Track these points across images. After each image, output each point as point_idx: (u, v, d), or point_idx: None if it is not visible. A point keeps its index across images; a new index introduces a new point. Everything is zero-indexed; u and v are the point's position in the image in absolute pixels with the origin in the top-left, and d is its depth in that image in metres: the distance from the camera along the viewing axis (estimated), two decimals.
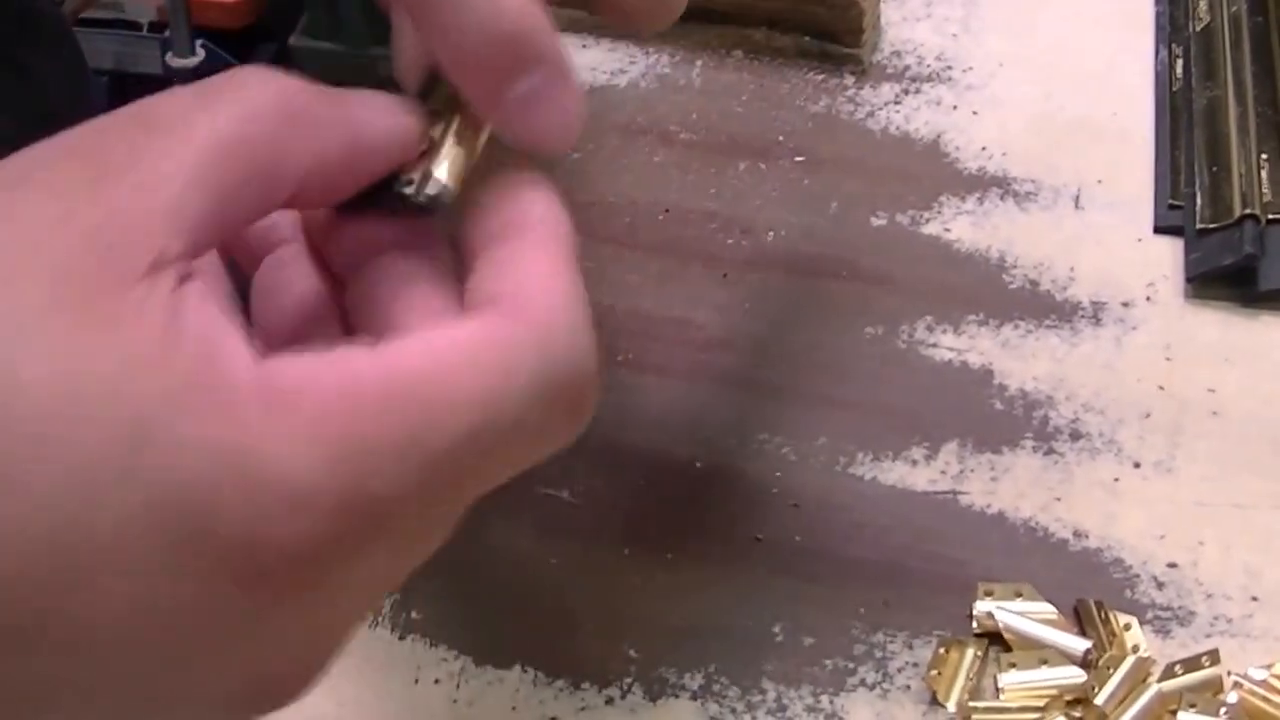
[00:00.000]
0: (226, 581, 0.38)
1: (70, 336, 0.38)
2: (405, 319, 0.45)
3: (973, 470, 0.71)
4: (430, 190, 0.46)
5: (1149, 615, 0.65)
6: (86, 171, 0.40)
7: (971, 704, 0.63)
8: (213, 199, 0.41)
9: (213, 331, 0.39)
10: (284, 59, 2.83)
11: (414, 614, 0.67)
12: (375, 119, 0.45)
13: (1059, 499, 0.69)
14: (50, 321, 0.38)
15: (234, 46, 2.82)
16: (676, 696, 0.64)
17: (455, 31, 0.46)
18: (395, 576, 0.43)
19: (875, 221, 0.82)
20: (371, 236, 0.48)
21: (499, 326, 0.42)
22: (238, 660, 0.40)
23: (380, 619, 0.67)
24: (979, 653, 0.64)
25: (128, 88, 2.94)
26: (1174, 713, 0.62)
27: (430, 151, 0.47)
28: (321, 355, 0.40)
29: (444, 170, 0.47)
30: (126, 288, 0.39)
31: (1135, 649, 0.64)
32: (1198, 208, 0.79)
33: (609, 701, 0.64)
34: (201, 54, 2.75)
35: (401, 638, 0.67)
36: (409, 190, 0.46)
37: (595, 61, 0.93)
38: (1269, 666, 0.62)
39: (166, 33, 2.77)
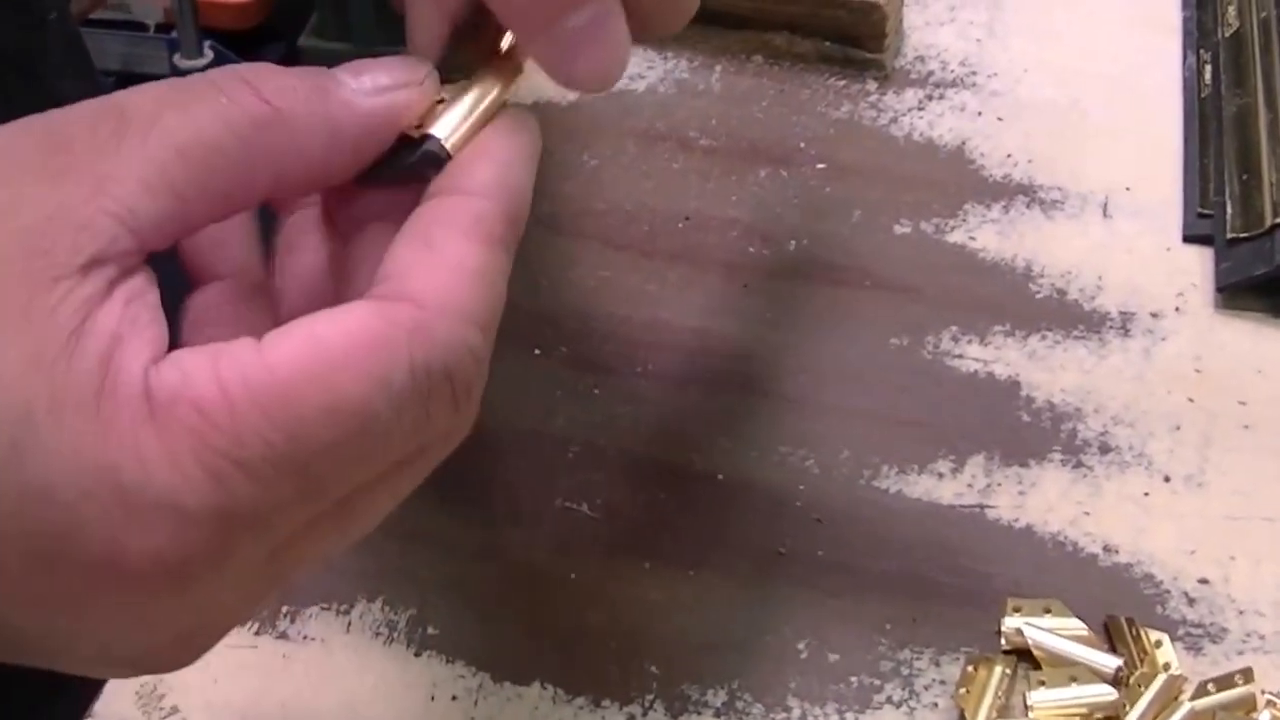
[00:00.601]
0: (94, 586, 0.39)
1: None
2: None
3: (1000, 484, 0.69)
4: (425, 149, 0.46)
5: (1180, 632, 0.64)
6: (43, 160, 0.40)
7: None
8: (170, 201, 0.41)
9: (120, 335, 0.39)
10: (292, 60, 2.82)
11: (430, 630, 0.66)
12: (359, 104, 0.45)
13: (1088, 513, 0.68)
14: None
15: (242, 47, 2.82)
16: (699, 713, 0.63)
17: None
18: (282, 572, 0.43)
19: (899, 230, 0.80)
20: (361, 205, 0.47)
21: (380, 314, 0.41)
22: (114, 640, 0.41)
23: (396, 634, 0.66)
24: (1008, 670, 0.63)
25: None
26: None
27: (435, 111, 0.47)
28: (208, 358, 0.40)
29: (441, 129, 0.46)
30: (50, 285, 0.39)
31: (1166, 666, 0.62)
32: (1228, 216, 0.78)
33: (630, 719, 0.63)
34: (210, 55, 2.74)
35: (418, 654, 0.66)
36: (407, 153, 0.46)
37: None
38: None
39: (174, 33, 2.76)
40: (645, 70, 0.91)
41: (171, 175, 0.41)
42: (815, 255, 0.80)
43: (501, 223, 0.45)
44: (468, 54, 0.49)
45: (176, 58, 2.80)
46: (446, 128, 0.46)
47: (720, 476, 0.70)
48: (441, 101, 0.47)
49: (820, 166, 0.84)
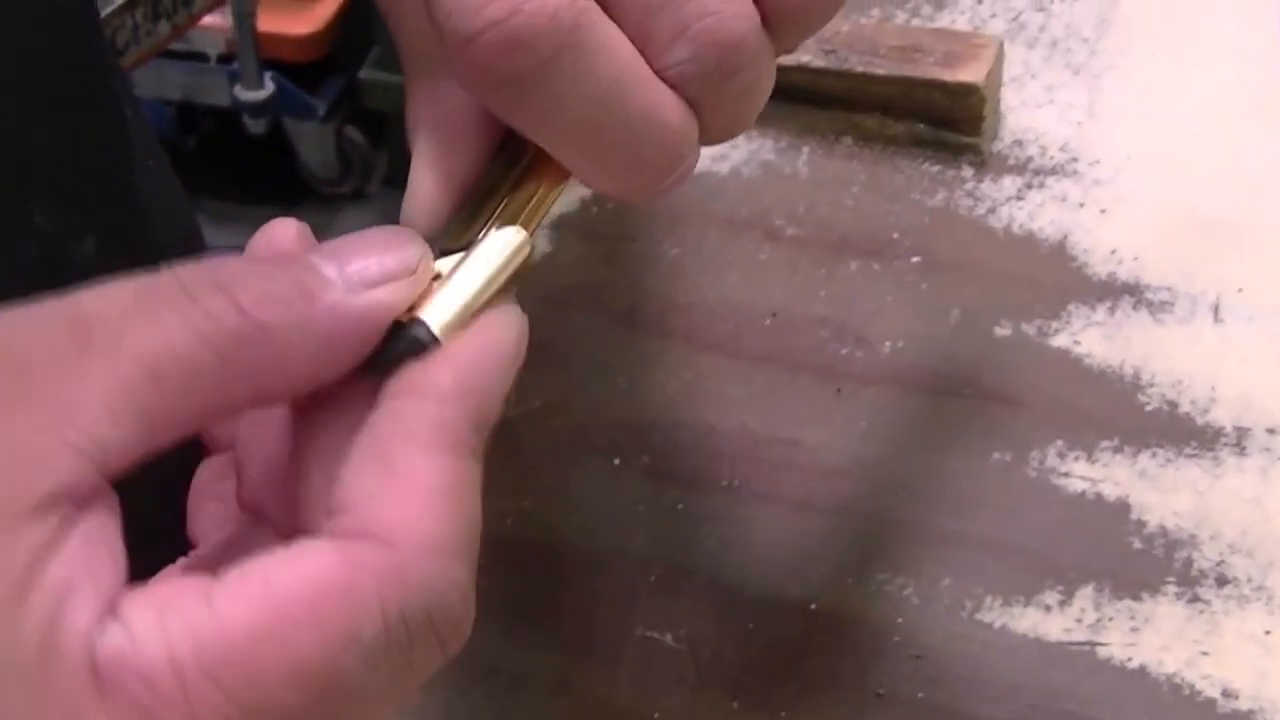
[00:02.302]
0: None
1: None
2: (308, 520, 0.42)
3: (1111, 619, 0.65)
4: (412, 335, 0.42)
5: None
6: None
7: None
8: (138, 427, 0.37)
9: (72, 585, 0.36)
10: (352, 94, 2.81)
11: None
12: (348, 306, 0.41)
13: (1205, 653, 0.64)
14: None
15: (303, 79, 2.80)
16: None
17: (616, 167, 0.47)
18: None
19: (999, 332, 0.76)
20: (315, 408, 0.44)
21: (343, 558, 0.38)
22: None
23: None
24: None
25: (196, 118, 2.92)
26: None
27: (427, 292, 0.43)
28: (155, 616, 0.37)
29: (433, 314, 0.43)
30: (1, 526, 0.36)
31: None
32: None
33: None
34: (271, 87, 2.73)
35: None
36: (391, 340, 0.42)
37: None
38: None
39: (235, 65, 2.75)
40: (729, 150, 0.87)
41: (141, 399, 0.38)
42: (912, 359, 0.75)
43: (467, 429, 0.41)
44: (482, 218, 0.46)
45: (238, 89, 2.79)
46: (438, 313, 0.43)
47: (813, 606, 0.67)
48: (437, 277, 0.44)
49: (915, 260, 0.80)
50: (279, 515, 0.45)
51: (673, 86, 0.46)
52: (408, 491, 0.39)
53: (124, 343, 0.38)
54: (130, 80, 0.65)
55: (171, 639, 0.36)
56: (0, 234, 0.52)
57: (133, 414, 0.37)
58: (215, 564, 0.42)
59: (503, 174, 0.48)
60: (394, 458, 0.40)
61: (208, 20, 2.62)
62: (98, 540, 0.37)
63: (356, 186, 3.14)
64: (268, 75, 2.78)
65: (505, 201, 0.47)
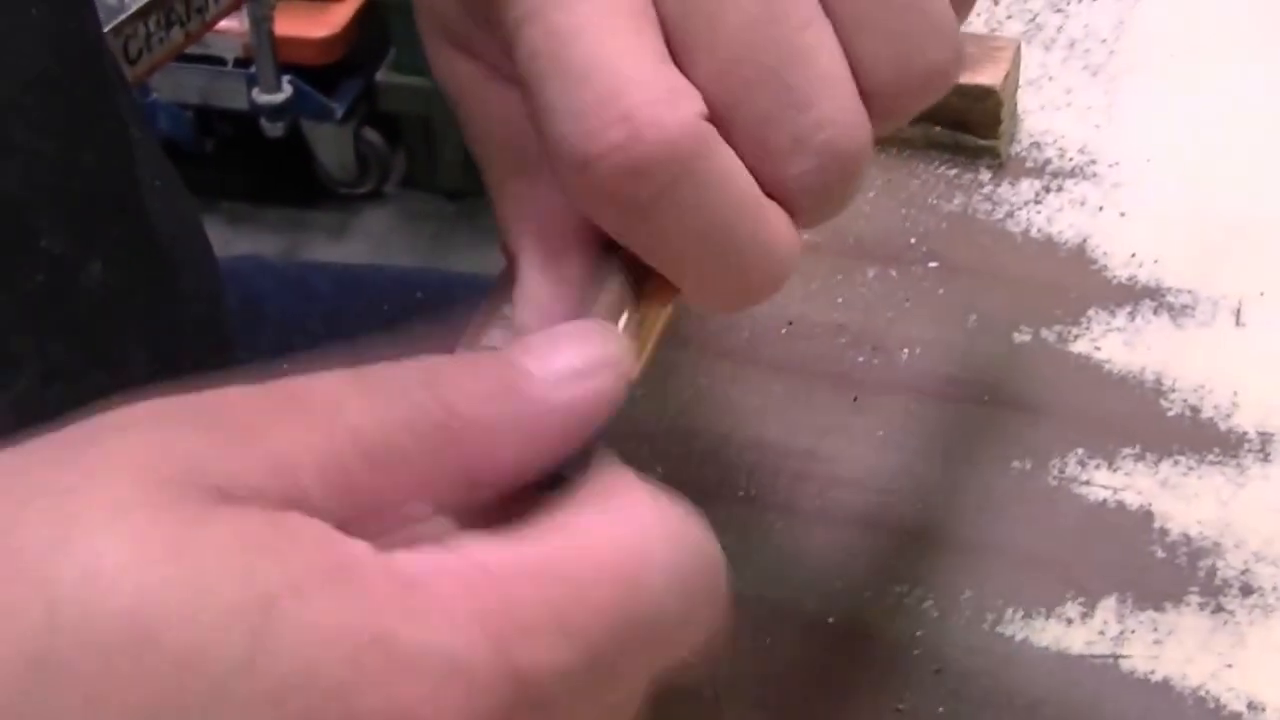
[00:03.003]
0: None
1: (163, 528, 0.34)
2: None
3: (1134, 630, 0.64)
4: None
5: None
6: (210, 431, 0.36)
7: None
8: (341, 498, 0.37)
9: (325, 529, 0.36)
10: (371, 94, 2.81)
11: None
12: (554, 400, 0.41)
13: (1230, 665, 0.63)
14: (137, 516, 0.34)
15: (320, 82, 2.80)
16: None
17: (723, 288, 0.48)
18: None
19: (1018, 338, 0.75)
20: None
21: (618, 515, 0.39)
22: None
23: None
24: None
25: (213, 122, 2.92)
26: None
27: None
28: (446, 548, 0.37)
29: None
30: (218, 501, 0.35)
31: None
32: None
33: None
34: (289, 90, 2.73)
35: None
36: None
37: None
38: None
39: (253, 68, 2.75)
40: None
41: (351, 472, 0.37)
42: (929, 366, 0.74)
43: None
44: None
45: (255, 92, 2.79)
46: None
47: (831, 620, 0.66)
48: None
49: (932, 265, 0.79)
50: None
51: (789, 196, 0.47)
52: (645, 493, 0.41)
53: (341, 416, 0.37)
54: (137, 100, 0.64)
55: (473, 561, 0.36)
56: (7, 258, 0.52)
57: (341, 486, 0.37)
58: None
59: (617, 287, 0.47)
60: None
61: (225, 24, 2.61)
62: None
63: (374, 187, 3.14)
64: (285, 78, 2.78)
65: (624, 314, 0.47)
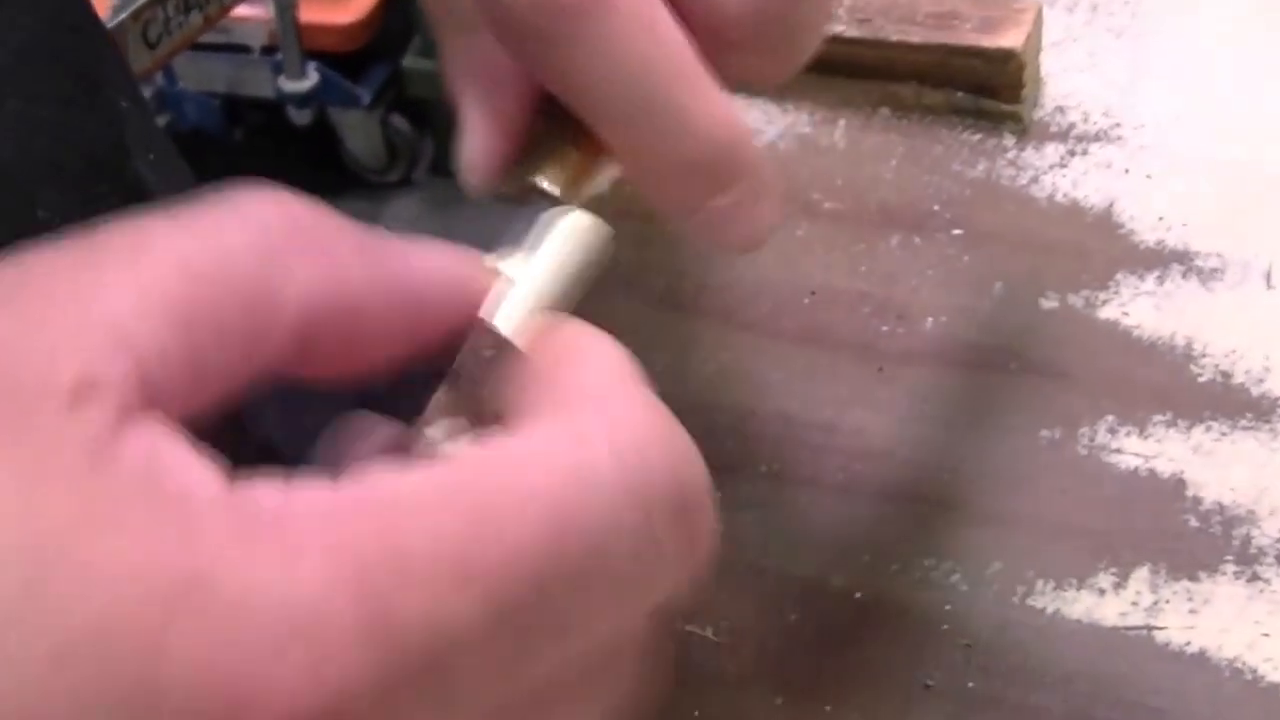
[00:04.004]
0: None
1: None
2: None
3: (1168, 601, 0.63)
4: (485, 346, 0.40)
5: None
6: (8, 295, 0.32)
7: None
8: (173, 329, 0.32)
9: (159, 451, 0.30)
10: (397, 80, 2.80)
11: None
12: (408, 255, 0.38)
13: (1267, 634, 0.61)
14: None
15: (346, 69, 2.79)
16: None
17: (652, 155, 0.44)
18: None
19: (1045, 304, 0.74)
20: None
21: (568, 420, 0.34)
22: None
23: None
24: None
25: (242, 110, 2.92)
26: None
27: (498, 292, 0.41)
28: (329, 482, 0.31)
29: (503, 319, 0.40)
30: (31, 413, 0.30)
31: None
32: None
33: None
34: (315, 77, 2.72)
35: None
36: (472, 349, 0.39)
37: None
38: None
39: (278, 56, 2.74)
40: (764, 125, 0.85)
41: (172, 291, 0.33)
42: (955, 334, 0.73)
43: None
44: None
45: (281, 79, 2.78)
46: (509, 319, 0.40)
47: (858, 595, 0.64)
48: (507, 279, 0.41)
49: (956, 232, 0.78)
50: None
51: (734, 42, 0.46)
52: (636, 400, 0.36)
53: (152, 244, 0.34)
54: (129, 70, 0.63)
55: (355, 493, 0.31)
56: (4, 228, 0.50)
57: (163, 312, 0.32)
58: None
59: (554, 132, 0.47)
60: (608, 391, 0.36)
61: (250, 12, 2.61)
62: (176, 442, 0.32)
63: (403, 174, 3.13)
64: (311, 65, 2.78)
65: (558, 154, 0.46)
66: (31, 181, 0.52)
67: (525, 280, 0.41)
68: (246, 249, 0.34)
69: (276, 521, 0.30)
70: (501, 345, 0.39)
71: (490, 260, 0.42)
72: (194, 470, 0.31)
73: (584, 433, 0.34)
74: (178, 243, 0.34)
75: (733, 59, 0.47)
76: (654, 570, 0.34)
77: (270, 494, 0.31)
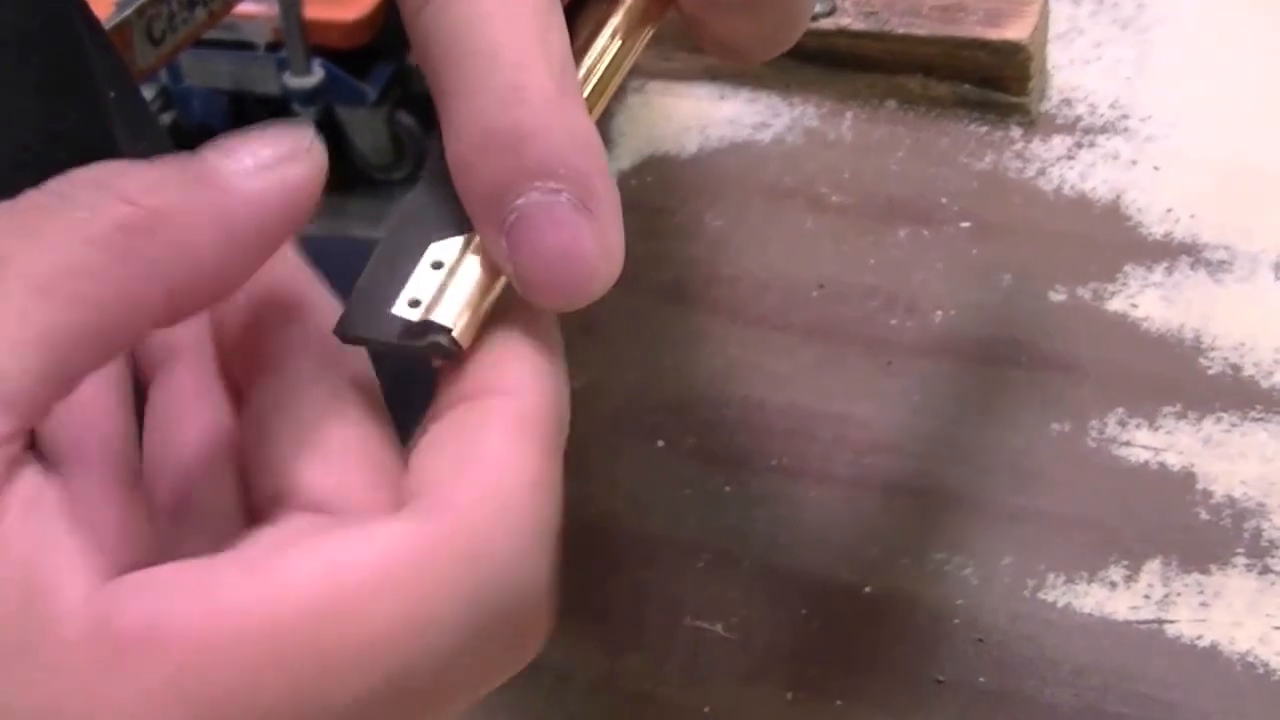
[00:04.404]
0: None
1: None
2: (311, 492, 0.37)
3: (1179, 594, 0.62)
4: (431, 340, 0.38)
5: None
6: None
7: None
8: (42, 353, 0.33)
9: (36, 553, 0.31)
10: (404, 76, 2.79)
11: None
12: (245, 187, 0.37)
13: (1279, 627, 0.61)
14: None
15: (351, 65, 2.79)
16: None
17: (458, 122, 0.38)
18: None
19: (1054, 297, 0.73)
20: (284, 355, 0.40)
21: (419, 536, 0.34)
22: None
23: None
24: None
25: (248, 107, 2.91)
26: None
27: (434, 283, 0.39)
28: (181, 579, 0.32)
29: (445, 313, 0.39)
30: None
31: None
32: None
33: None
34: (320, 73, 2.71)
35: None
36: (409, 329, 0.39)
37: (734, 114, 0.85)
38: None
39: (283, 52, 2.74)
40: (770, 118, 0.85)
41: (35, 320, 0.33)
42: (964, 328, 0.73)
43: (553, 424, 0.38)
44: None
45: (286, 76, 2.78)
46: (450, 312, 0.39)
47: (868, 589, 0.64)
48: (439, 266, 0.40)
49: (964, 225, 0.77)
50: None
51: None
52: (499, 482, 0.35)
53: (8, 269, 0.33)
54: (120, 61, 0.62)
55: (206, 613, 0.32)
56: None
57: (33, 341, 0.33)
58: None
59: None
60: (486, 450, 0.36)
61: (255, 9, 2.60)
62: (43, 510, 0.32)
63: (409, 171, 3.12)
64: (316, 62, 2.77)
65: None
66: (20, 175, 0.52)
67: (460, 266, 0.40)
68: (97, 253, 0.34)
69: (134, 652, 0.31)
70: (444, 342, 0.39)
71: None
72: (64, 584, 0.32)
73: (433, 562, 0.34)
74: (30, 260, 0.34)
75: (724, 20, 0.45)
76: (476, 668, 0.35)
77: (136, 609, 0.32)
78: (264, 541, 0.35)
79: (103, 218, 0.34)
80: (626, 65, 0.44)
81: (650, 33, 0.45)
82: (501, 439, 0.36)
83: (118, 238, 0.34)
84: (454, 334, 0.39)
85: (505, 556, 0.35)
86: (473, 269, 0.40)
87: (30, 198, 0.35)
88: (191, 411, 0.42)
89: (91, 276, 0.34)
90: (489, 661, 0.35)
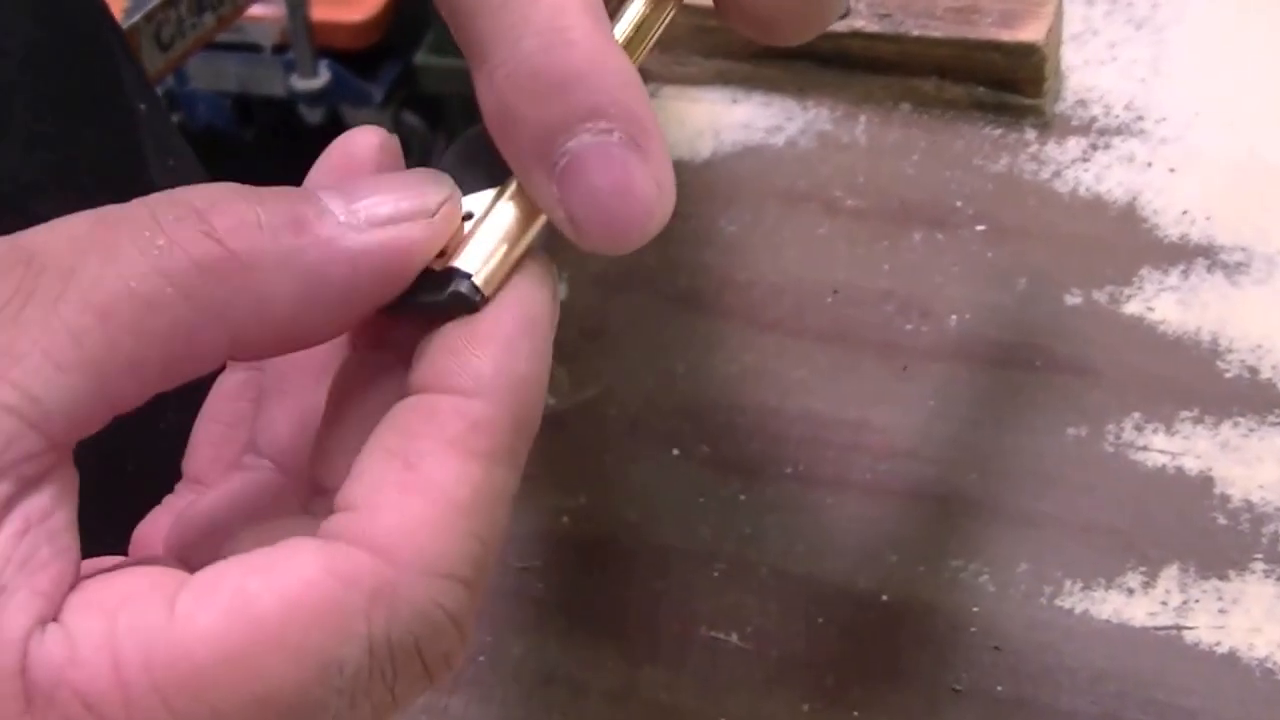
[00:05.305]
0: None
1: None
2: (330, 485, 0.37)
3: (1198, 600, 0.62)
4: (453, 290, 0.38)
5: None
6: None
7: None
8: (88, 380, 0.32)
9: (4, 584, 0.32)
10: (410, 77, 2.79)
11: None
12: (346, 243, 0.36)
13: None
14: None
15: (359, 66, 2.79)
16: None
17: (501, 69, 0.37)
18: None
19: (1070, 300, 0.73)
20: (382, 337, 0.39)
21: (332, 571, 0.33)
22: None
23: None
24: None
25: (253, 109, 2.91)
26: None
27: (462, 236, 0.38)
28: (104, 624, 0.32)
29: (469, 260, 0.38)
30: None
31: None
32: None
33: None
34: (327, 75, 2.71)
35: None
36: (430, 286, 0.38)
37: (748, 118, 0.85)
38: None
39: (290, 54, 2.74)
40: (784, 121, 0.84)
41: (90, 346, 0.33)
42: (980, 332, 0.72)
43: (506, 431, 0.36)
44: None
45: (293, 78, 2.77)
46: (475, 259, 0.38)
47: (885, 597, 0.64)
48: (469, 217, 0.39)
49: (980, 228, 0.77)
50: (294, 467, 0.41)
51: None
52: (423, 499, 0.35)
53: (72, 282, 0.33)
54: (145, 75, 0.62)
55: (120, 651, 0.32)
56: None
57: (81, 365, 0.32)
58: (199, 535, 0.38)
59: None
60: (420, 460, 0.35)
61: (261, 11, 2.60)
62: (40, 530, 0.33)
63: None
64: (323, 63, 2.77)
65: None
66: (38, 194, 0.51)
67: (491, 220, 0.39)
68: (166, 287, 0.34)
69: (38, 702, 0.32)
70: (467, 292, 0.38)
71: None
72: (10, 623, 0.32)
73: (344, 609, 0.34)
74: (97, 280, 0.33)
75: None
76: (381, 704, 0.35)
77: (52, 658, 0.32)
78: (206, 576, 0.34)
79: (181, 251, 0.34)
80: (654, 35, 0.43)
81: (674, 8, 0.44)
82: (440, 455, 0.35)
83: (191, 275, 0.34)
84: (475, 280, 0.38)
85: (417, 597, 0.34)
86: (500, 219, 0.39)
87: (115, 211, 0.34)
88: (305, 375, 0.42)
89: (154, 309, 0.33)
90: (395, 696, 0.35)
